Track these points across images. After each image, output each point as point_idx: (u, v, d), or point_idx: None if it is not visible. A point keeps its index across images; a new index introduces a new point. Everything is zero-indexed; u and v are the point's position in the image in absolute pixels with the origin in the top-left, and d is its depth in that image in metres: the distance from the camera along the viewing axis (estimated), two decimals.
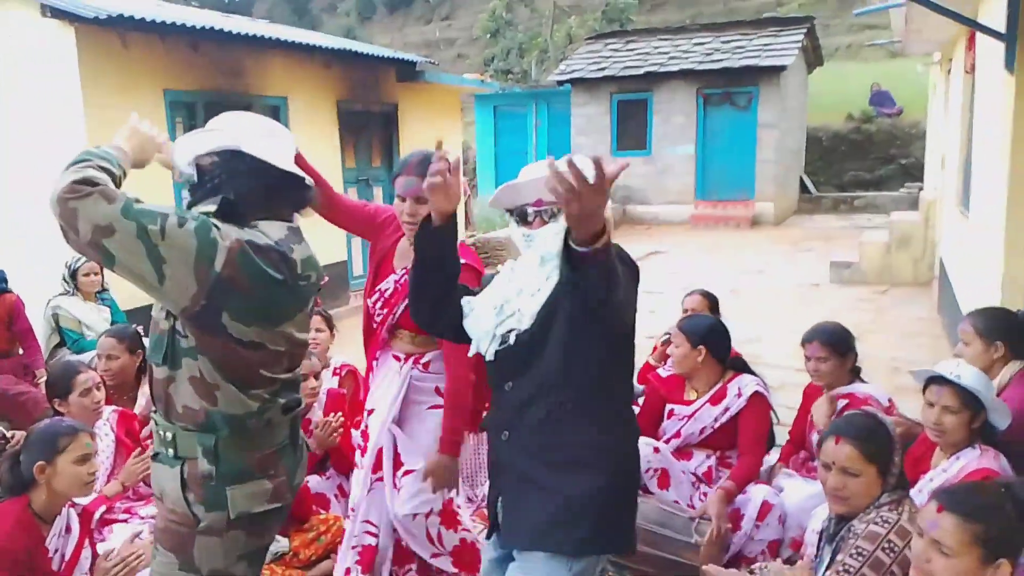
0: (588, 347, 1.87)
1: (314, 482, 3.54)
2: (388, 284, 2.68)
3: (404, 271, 2.62)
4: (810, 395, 3.49)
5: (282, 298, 1.92)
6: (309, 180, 2.06)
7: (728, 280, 9.11)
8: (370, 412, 2.81)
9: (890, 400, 3.29)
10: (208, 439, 1.85)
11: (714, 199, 14.22)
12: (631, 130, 14.69)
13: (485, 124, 17.01)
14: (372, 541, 2.74)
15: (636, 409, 3.90)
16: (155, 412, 1.95)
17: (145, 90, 6.44)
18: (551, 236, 1.87)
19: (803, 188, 16.21)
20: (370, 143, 9.58)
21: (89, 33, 5.97)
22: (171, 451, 1.89)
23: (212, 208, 1.89)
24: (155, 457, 1.96)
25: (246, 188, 1.90)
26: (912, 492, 2.40)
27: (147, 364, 2.07)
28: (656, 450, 3.28)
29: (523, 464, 1.93)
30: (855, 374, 3.33)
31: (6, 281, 4.51)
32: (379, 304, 2.71)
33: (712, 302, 4.09)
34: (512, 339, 1.93)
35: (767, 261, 10.52)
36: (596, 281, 1.63)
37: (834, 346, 3.27)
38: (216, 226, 1.81)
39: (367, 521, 2.75)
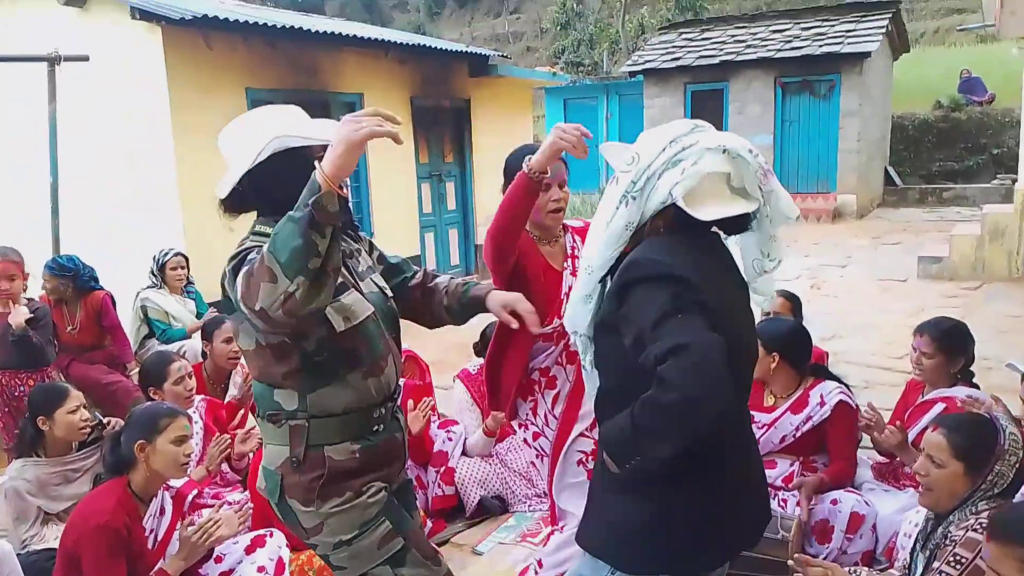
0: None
1: None
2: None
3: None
4: (911, 390, 3.35)
5: None
6: None
7: (808, 275, 8.86)
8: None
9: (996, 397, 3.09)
10: None
11: (793, 191, 13.79)
12: (706, 121, 14.34)
13: (555, 117, 16.98)
14: None
15: None
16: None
17: (228, 89, 6.63)
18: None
19: (888, 179, 15.62)
20: (442, 138, 9.64)
21: (175, 34, 6.18)
22: None
23: None
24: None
25: None
26: (1020, 496, 2.29)
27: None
28: None
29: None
30: (964, 378, 3.15)
31: (96, 279, 4.70)
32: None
33: (795, 304, 3.96)
34: None
35: (850, 255, 10.17)
36: None
37: (943, 343, 3.11)
38: None
39: None
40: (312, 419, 1.89)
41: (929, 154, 15.97)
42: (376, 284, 2.06)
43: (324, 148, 1.86)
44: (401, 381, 2.12)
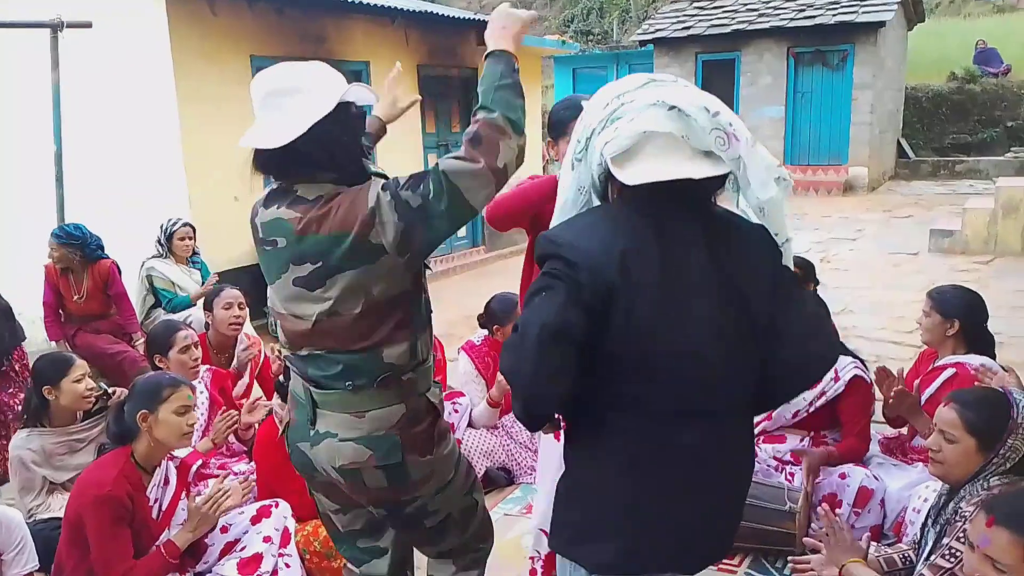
0: None
1: None
2: None
3: None
4: (923, 360, 3.32)
5: (263, 261, 1.97)
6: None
7: (818, 249, 8.78)
8: None
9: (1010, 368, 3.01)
10: None
11: (804, 164, 13.68)
12: (717, 92, 13.22)
13: (564, 87, 16.77)
14: None
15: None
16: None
17: (232, 57, 6.55)
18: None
19: (900, 152, 15.43)
20: (450, 108, 9.55)
21: (179, 1, 6.09)
22: None
23: None
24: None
25: None
26: None
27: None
28: None
29: None
30: (976, 347, 3.09)
31: (103, 248, 4.68)
32: None
33: (807, 270, 3.87)
34: None
35: (861, 229, 10.07)
36: None
37: (937, 303, 3.11)
38: None
39: None
40: (418, 368, 1.92)
41: (942, 126, 15.75)
42: None
43: (360, 107, 1.92)
44: None
